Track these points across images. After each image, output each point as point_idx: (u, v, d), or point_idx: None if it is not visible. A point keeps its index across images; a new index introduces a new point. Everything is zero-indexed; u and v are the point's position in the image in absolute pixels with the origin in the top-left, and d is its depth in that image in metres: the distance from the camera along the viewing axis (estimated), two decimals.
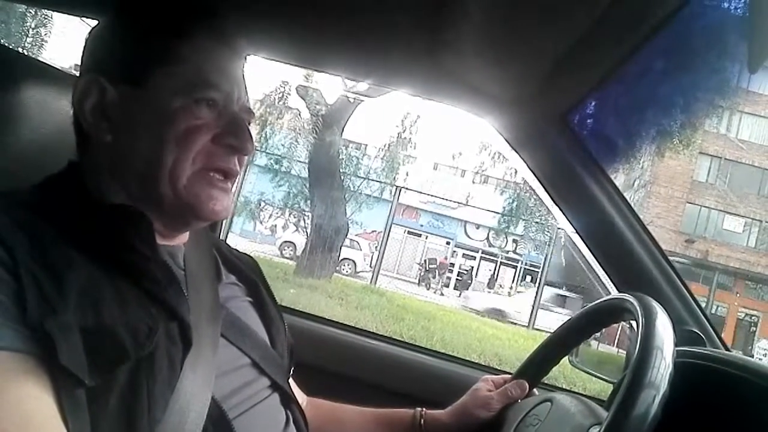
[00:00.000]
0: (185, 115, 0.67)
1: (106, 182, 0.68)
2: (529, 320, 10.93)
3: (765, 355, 11.62)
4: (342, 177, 9.39)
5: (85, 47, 0.72)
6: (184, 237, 0.76)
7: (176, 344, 0.61)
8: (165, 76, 0.67)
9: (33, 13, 9.39)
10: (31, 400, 0.48)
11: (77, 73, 0.72)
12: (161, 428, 0.56)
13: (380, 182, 11.51)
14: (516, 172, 10.94)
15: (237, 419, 0.66)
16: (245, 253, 0.93)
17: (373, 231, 12.97)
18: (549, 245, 11.18)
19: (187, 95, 0.67)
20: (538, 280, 11.66)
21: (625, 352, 1.20)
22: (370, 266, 11.93)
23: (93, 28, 0.74)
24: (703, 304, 1.18)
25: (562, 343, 0.96)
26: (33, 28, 9.62)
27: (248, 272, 0.86)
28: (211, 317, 0.69)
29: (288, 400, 0.79)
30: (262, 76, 9.59)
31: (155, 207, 0.68)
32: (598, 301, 0.89)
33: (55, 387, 0.50)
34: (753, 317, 17.32)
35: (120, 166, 0.68)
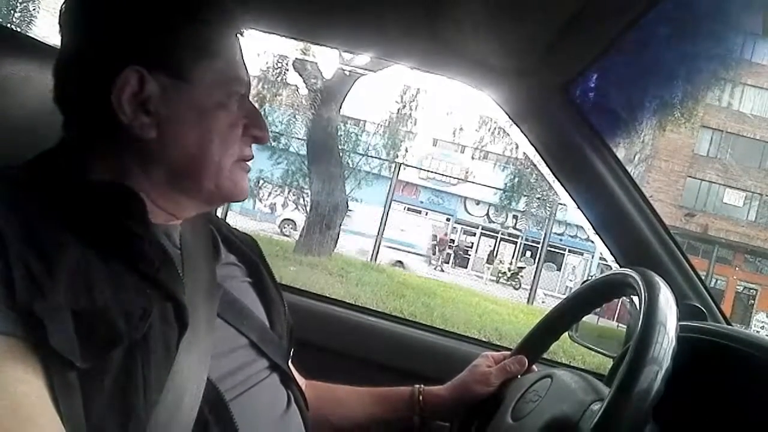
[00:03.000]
0: (225, 109, 0.68)
1: (130, 170, 0.66)
2: (529, 296, 11.02)
3: (762, 327, 11.74)
4: (341, 154, 9.34)
5: (111, 34, 0.65)
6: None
7: (171, 325, 0.60)
8: (207, 70, 0.67)
9: None
10: (21, 383, 0.47)
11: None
12: (157, 410, 0.56)
13: (379, 159, 11.46)
14: (516, 147, 10.89)
15: (235, 400, 0.65)
16: (245, 233, 0.91)
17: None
18: (549, 221, 11.21)
19: (224, 89, 0.68)
20: (537, 255, 11.71)
21: (624, 327, 1.20)
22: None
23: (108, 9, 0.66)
24: (703, 278, 1.18)
25: (563, 318, 0.96)
26: (21, 3, 9.42)
27: (248, 252, 0.85)
28: (207, 297, 0.68)
29: (288, 381, 0.78)
30: (259, 51, 9.47)
31: (188, 193, 0.69)
32: (600, 275, 0.88)
33: (45, 370, 0.49)
34: (751, 290, 17.45)
35: (159, 159, 0.66)
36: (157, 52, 0.65)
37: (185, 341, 0.60)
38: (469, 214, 17.33)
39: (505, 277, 13.76)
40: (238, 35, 0.72)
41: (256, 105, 0.75)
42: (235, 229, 0.89)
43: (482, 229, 16.98)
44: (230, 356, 0.69)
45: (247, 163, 0.73)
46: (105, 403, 0.51)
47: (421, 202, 17.11)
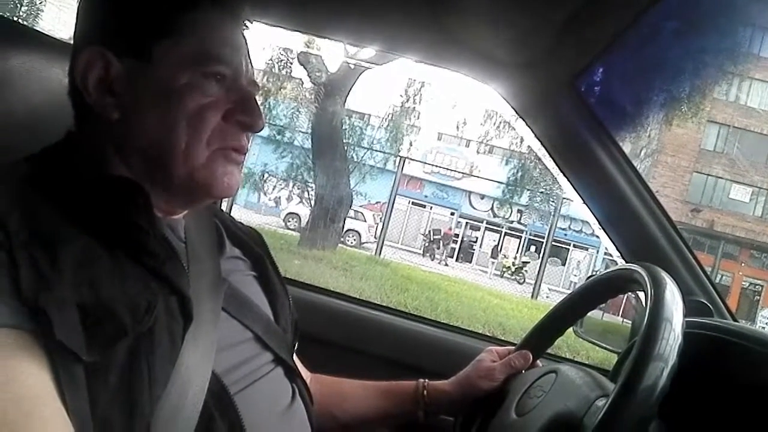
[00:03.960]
0: (195, 91, 0.64)
1: (110, 158, 0.65)
2: (534, 290, 11.01)
3: None
4: (345, 147, 9.34)
5: (82, 16, 0.68)
6: (185, 211, 0.74)
7: (176, 319, 0.60)
8: (171, 49, 0.64)
9: None
10: (27, 376, 0.47)
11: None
12: (162, 404, 0.56)
13: (384, 153, 11.45)
14: (521, 141, 10.85)
15: (239, 394, 0.65)
16: (250, 227, 0.91)
17: (377, 202, 12.98)
18: (554, 215, 11.18)
19: (196, 69, 0.64)
20: (542, 250, 11.69)
21: (630, 322, 1.20)
22: (375, 237, 11.98)
23: None
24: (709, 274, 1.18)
25: (568, 313, 0.95)
26: None
27: (253, 246, 0.85)
28: (212, 290, 0.68)
29: (293, 374, 0.78)
30: (264, 43, 9.45)
31: (163, 184, 0.66)
32: (606, 271, 0.87)
33: (51, 363, 0.49)
34: (757, 286, 17.37)
35: (127, 143, 0.65)
36: (118, 31, 0.64)
37: (190, 335, 0.60)
38: (474, 208, 17.31)
39: (510, 272, 13.74)
40: (218, 11, 0.68)
41: (260, 98, 0.73)
42: (240, 222, 0.89)
43: (487, 223, 16.96)
44: (235, 349, 0.69)
45: (236, 154, 0.68)
46: (110, 396, 0.51)
47: (426, 197, 17.09)
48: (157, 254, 0.60)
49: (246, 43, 0.72)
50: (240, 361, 0.68)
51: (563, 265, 15.54)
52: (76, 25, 0.68)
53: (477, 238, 16.93)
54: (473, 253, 16.32)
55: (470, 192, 17.06)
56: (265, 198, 12.57)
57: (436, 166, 16.31)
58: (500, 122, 12.41)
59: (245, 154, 0.70)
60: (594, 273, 0.97)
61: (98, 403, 0.51)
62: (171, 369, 0.57)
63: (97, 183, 0.62)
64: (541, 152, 1.20)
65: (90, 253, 0.54)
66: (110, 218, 0.59)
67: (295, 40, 8.97)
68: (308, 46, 8.31)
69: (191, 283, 0.64)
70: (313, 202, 9.26)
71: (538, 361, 0.96)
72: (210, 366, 0.62)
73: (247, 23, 0.73)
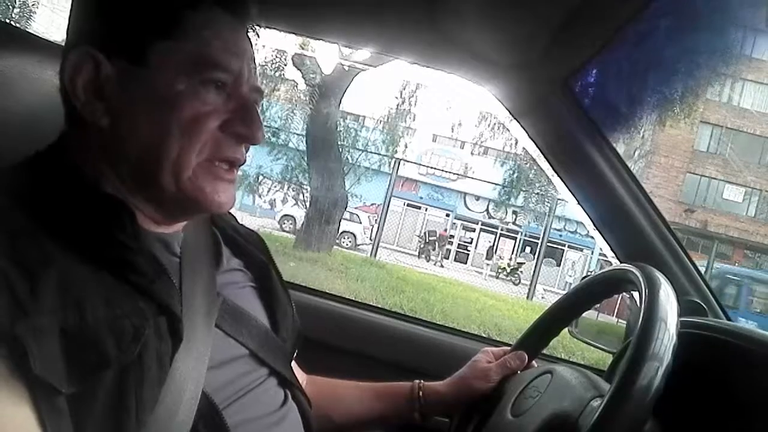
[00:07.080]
0: (192, 99, 0.60)
1: (98, 167, 0.62)
2: (529, 291, 11.03)
3: None
4: (340, 149, 9.35)
5: (74, 14, 0.65)
6: (183, 223, 0.71)
7: (165, 340, 0.57)
8: (168, 52, 0.60)
9: None
10: (6, 406, 0.45)
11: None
12: (150, 426, 0.54)
13: (379, 154, 11.46)
14: (516, 143, 10.89)
15: (228, 408, 0.64)
16: (251, 230, 0.87)
17: (372, 204, 12.99)
18: (548, 216, 11.21)
19: (194, 76, 0.60)
20: (537, 251, 11.72)
21: (624, 323, 1.20)
22: (370, 239, 11.98)
23: None
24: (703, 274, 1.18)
25: (563, 314, 0.96)
26: None
27: (255, 253, 0.82)
28: (205, 308, 0.65)
29: (287, 383, 0.76)
30: (258, 45, 9.43)
31: (153, 196, 0.63)
32: (601, 271, 0.87)
33: (31, 393, 0.47)
34: None
35: (116, 152, 0.61)
36: (111, 31, 0.61)
37: (180, 355, 0.58)
38: (469, 209, 17.32)
39: (505, 273, 13.77)
40: (221, 12, 0.63)
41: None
42: (241, 225, 0.86)
43: (482, 224, 16.99)
44: (227, 367, 0.66)
45: (227, 172, 0.64)
46: (98, 422, 0.50)
47: (421, 198, 17.10)
48: (145, 273, 0.57)
49: (251, 48, 0.68)
50: (231, 379, 0.67)
51: (558, 265, 15.58)
52: (68, 24, 0.66)
53: (472, 239, 16.96)
54: (468, 255, 16.34)
55: (465, 193, 17.08)
56: (260, 200, 12.53)
57: (431, 167, 16.34)
58: (495, 124, 12.44)
59: (239, 166, 0.67)
60: (589, 274, 0.97)
61: (85, 429, 0.49)
62: (159, 391, 0.55)
63: (82, 200, 0.59)
64: (536, 153, 1.21)
65: (74, 274, 0.51)
66: (95, 237, 0.56)
67: (290, 42, 8.95)
68: (303, 48, 8.31)
69: (183, 301, 0.62)
70: (308, 204, 9.26)
71: (533, 362, 0.96)
72: (200, 386, 0.60)
73: (255, 27, 0.69)
